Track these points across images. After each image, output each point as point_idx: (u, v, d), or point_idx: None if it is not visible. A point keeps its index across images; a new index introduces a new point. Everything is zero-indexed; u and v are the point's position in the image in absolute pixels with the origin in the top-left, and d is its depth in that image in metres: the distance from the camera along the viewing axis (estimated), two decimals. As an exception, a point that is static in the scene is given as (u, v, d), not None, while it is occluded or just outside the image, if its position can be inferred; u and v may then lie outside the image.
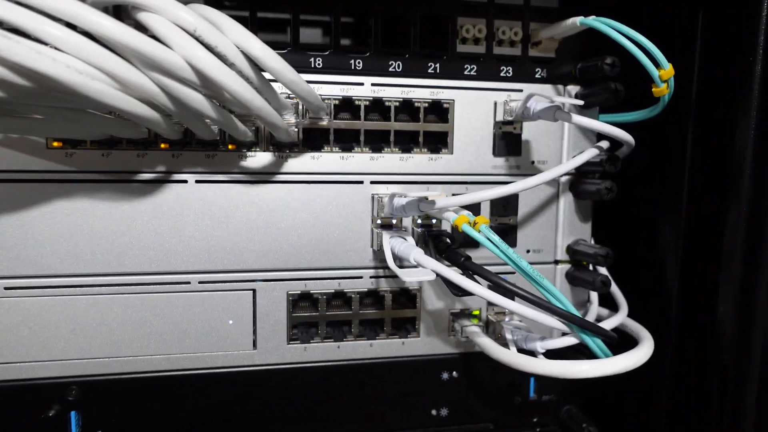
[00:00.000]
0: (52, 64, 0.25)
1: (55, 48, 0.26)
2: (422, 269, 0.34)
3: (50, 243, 0.35)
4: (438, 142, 0.40)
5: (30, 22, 0.25)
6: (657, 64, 0.34)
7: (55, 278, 0.36)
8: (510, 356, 0.36)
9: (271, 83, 0.32)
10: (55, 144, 0.35)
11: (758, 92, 0.35)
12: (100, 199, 0.36)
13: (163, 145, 0.36)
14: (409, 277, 0.33)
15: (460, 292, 0.34)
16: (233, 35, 0.29)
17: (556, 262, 0.43)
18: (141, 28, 0.28)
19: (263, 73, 0.31)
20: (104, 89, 0.27)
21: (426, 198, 0.34)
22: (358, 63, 0.38)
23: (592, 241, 0.43)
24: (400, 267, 0.34)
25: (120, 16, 0.29)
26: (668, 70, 0.34)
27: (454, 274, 0.33)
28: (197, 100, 0.30)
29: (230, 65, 0.29)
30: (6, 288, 0.35)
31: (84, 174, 0.35)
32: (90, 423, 0.38)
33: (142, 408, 0.38)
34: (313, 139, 0.38)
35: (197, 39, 0.28)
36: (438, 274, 0.33)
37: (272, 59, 0.30)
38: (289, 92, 0.32)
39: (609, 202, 0.40)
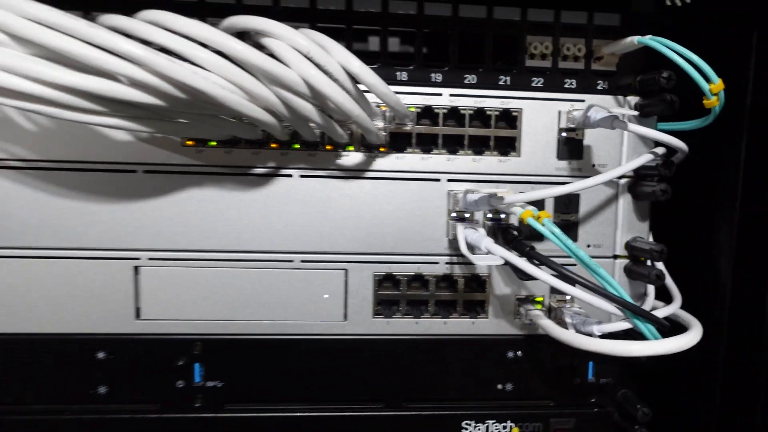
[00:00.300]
0: (203, 81, 0.32)
1: (202, 67, 0.33)
2: (492, 255, 0.39)
3: (183, 224, 0.44)
4: (507, 146, 0.45)
5: (184, 47, 0.33)
6: (708, 79, 0.38)
7: (186, 252, 0.44)
8: (568, 335, 0.41)
9: (365, 94, 0.38)
10: (188, 143, 0.43)
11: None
12: (223, 189, 0.44)
13: (273, 145, 0.43)
14: (481, 262, 0.39)
15: (524, 276, 0.39)
16: (337, 55, 0.36)
17: (615, 257, 0.47)
18: (259, 47, 0.35)
19: (359, 86, 0.37)
20: (239, 100, 0.34)
21: (495, 194, 0.40)
22: (438, 76, 0.44)
23: (650, 239, 0.47)
24: (473, 254, 0.40)
25: (243, 38, 0.36)
26: (718, 84, 0.38)
27: (520, 261, 0.38)
28: (307, 108, 0.37)
29: (335, 80, 0.35)
30: (149, 258, 0.44)
31: (210, 168, 0.43)
32: (209, 373, 0.45)
33: (250, 364, 0.45)
34: (397, 142, 0.44)
35: (309, 59, 0.35)
36: (506, 260, 0.39)
37: (368, 75, 0.36)
38: (380, 102, 0.39)
39: (666, 203, 0.44)
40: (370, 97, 0.39)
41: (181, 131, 0.38)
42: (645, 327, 0.39)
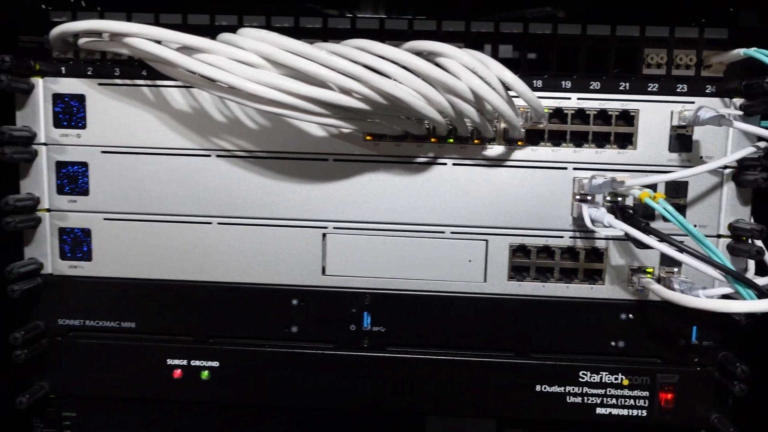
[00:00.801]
0: (401, 90, 0.44)
1: (397, 80, 0.45)
2: (613, 228, 0.49)
3: (361, 201, 0.56)
4: (625, 141, 0.54)
5: (389, 67, 0.44)
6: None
7: (362, 223, 0.56)
8: (677, 296, 0.49)
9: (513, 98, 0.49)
10: (368, 137, 0.55)
11: None
12: (393, 174, 0.55)
13: (433, 140, 0.55)
14: (605, 232, 0.49)
15: (642, 245, 0.48)
16: (495, 69, 0.46)
17: (719, 236, 0.55)
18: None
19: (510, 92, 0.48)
20: (422, 104, 0.46)
21: (616, 179, 0.49)
22: (567, 83, 0.54)
23: (752, 221, 0.55)
24: (596, 227, 0.50)
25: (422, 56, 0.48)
26: (813, 88, 0.45)
27: (637, 232, 0.48)
28: (470, 110, 0.48)
29: (493, 89, 0.46)
30: (334, 227, 0.56)
31: (384, 157, 0.55)
32: (375, 320, 0.57)
33: (407, 314, 0.57)
34: (532, 137, 0.54)
35: (474, 73, 0.46)
36: (626, 232, 0.48)
37: (518, 84, 0.47)
38: (524, 104, 0.49)
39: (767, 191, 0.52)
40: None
41: (374, 128, 0.50)
42: (745, 291, 0.47)
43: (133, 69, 0.55)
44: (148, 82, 0.55)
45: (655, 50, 0.53)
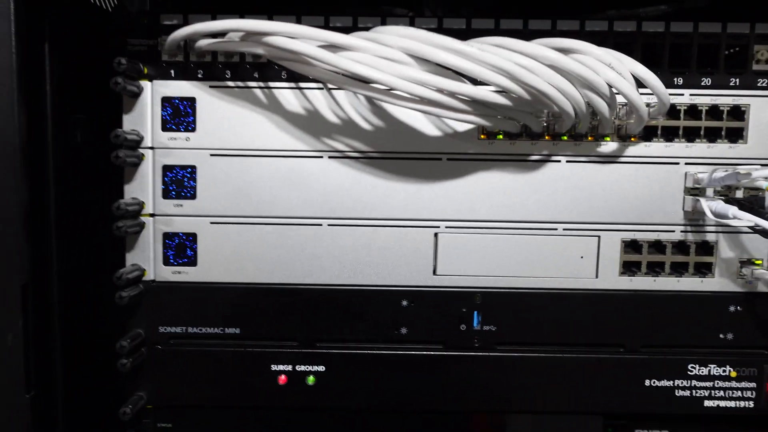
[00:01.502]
0: (545, 85, 0.45)
1: (540, 76, 0.45)
2: (739, 220, 0.50)
3: (475, 199, 0.56)
4: (736, 135, 0.55)
5: (531, 63, 0.45)
6: None
7: (475, 222, 0.56)
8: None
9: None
10: (482, 136, 0.55)
11: None
12: (507, 172, 0.56)
13: (547, 137, 0.55)
14: (733, 223, 0.49)
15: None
16: (627, 64, 0.47)
17: (827, 226, 0.56)
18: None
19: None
20: (562, 99, 0.46)
21: (740, 171, 0.50)
22: (680, 80, 0.55)
23: None
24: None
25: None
26: None
27: (766, 222, 0.49)
28: (603, 105, 0.48)
29: (628, 83, 0.47)
30: (446, 227, 0.56)
31: (498, 155, 0.55)
32: (486, 319, 0.57)
33: (517, 312, 0.57)
34: (646, 133, 0.55)
35: (610, 67, 0.47)
36: (755, 223, 0.49)
37: (651, 78, 0.47)
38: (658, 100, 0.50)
39: None
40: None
41: (501, 125, 0.51)
42: None
43: (245, 71, 0.54)
44: (261, 84, 0.54)
45: (765, 46, 0.54)
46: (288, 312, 0.57)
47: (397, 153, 0.55)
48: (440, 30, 0.54)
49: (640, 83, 0.48)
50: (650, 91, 0.49)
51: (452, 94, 0.44)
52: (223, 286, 0.57)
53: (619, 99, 0.50)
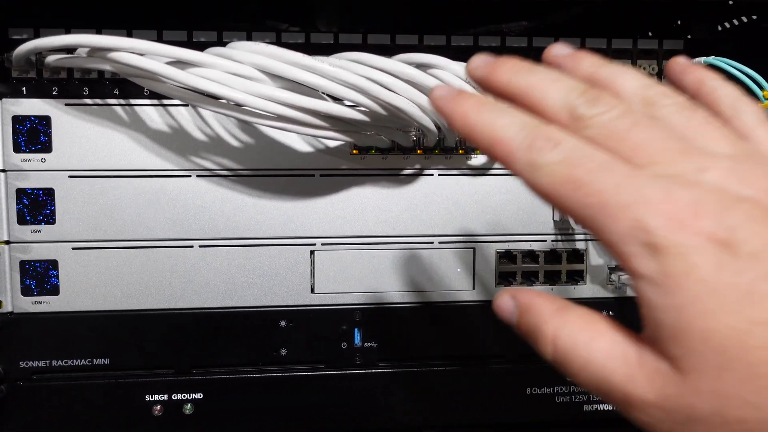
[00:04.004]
0: (401, 100, 0.45)
1: (395, 91, 0.45)
2: (599, 227, 0.51)
3: (349, 215, 0.55)
4: (599, 146, 0.57)
5: (387, 78, 0.45)
6: (761, 87, 0.50)
7: (351, 238, 0.55)
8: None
9: (502, 108, 0.50)
10: (355, 151, 0.55)
11: (836, 103, 0.50)
12: (380, 187, 0.55)
13: (419, 151, 0.55)
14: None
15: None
16: (485, 79, 0.48)
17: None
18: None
19: (499, 102, 0.49)
20: (420, 113, 0.46)
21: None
22: (544, 93, 0.56)
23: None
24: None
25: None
26: (768, 90, 0.50)
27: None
28: (463, 119, 0.49)
29: (486, 98, 0.48)
30: (323, 244, 0.55)
31: (371, 170, 0.55)
32: (367, 336, 0.57)
33: (399, 327, 0.57)
34: (514, 145, 0.56)
35: (468, 83, 0.47)
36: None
37: (508, 93, 0.48)
38: (511, 113, 0.51)
39: None
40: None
41: (366, 141, 0.50)
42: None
43: (104, 87, 0.52)
44: (121, 101, 0.52)
45: (621, 61, 0.56)
46: (160, 338, 0.55)
47: (268, 170, 0.54)
48: (307, 45, 0.54)
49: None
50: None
51: (308, 111, 0.44)
52: (89, 314, 0.54)
53: (482, 113, 0.51)
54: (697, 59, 0.54)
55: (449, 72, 0.47)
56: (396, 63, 0.45)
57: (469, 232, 0.57)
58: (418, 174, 0.56)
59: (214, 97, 0.44)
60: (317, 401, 0.56)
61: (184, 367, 0.55)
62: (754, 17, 0.57)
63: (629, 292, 0.58)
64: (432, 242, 0.56)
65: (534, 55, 0.55)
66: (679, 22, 0.60)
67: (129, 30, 0.52)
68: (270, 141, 0.54)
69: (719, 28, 0.59)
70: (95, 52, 0.44)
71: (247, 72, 0.43)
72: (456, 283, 0.57)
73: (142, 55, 0.43)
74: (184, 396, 0.55)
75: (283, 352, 0.56)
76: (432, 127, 0.48)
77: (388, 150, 0.55)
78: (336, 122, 0.46)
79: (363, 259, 0.56)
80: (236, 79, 0.43)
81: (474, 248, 0.57)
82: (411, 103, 0.46)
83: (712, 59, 0.52)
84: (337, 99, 0.46)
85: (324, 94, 0.46)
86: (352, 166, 0.55)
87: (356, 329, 0.56)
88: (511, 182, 0.56)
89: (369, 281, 0.56)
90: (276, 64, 0.42)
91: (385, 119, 0.47)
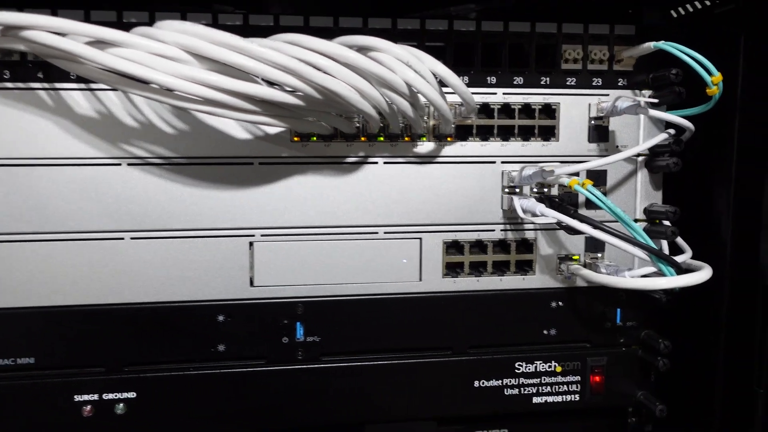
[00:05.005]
0: (337, 84, 0.42)
1: (332, 74, 0.43)
2: (545, 217, 0.50)
3: (290, 205, 0.53)
4: (548, 133, 0.55)
5: (322, 61, 0.42)
6: (710, 72, 0.49)
7: (292, 228, 0.53)
8: (606, 278, 0.51)
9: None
10: (296, 138, 0.52)
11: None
12: (322, 176, 0.53)
13: (363, 138, 0.53)
14: (539, 221, 0.49)
15: (573, 231, 0.49)
16: (428, 63, 0.46)
17: (636, 220, 0.58)
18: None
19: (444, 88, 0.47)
20: (358, 98, 0.44)
21: (545, 168, 0.50)
22: (493, 79, 0.55)
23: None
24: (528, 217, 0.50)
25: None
26: (718, 76, 0.49)
27: (569, 219, 0.49)
28: (405, 104, 0.47)
29: (427, 82, 0.46)
30: (262, 235, 0.53)
31: (313, 158, 0.53)
32: (309, 330, 0.55)
33: (342, 320, 0.55)
34: (461, 133, 0.54)
35: (408, 66, 0.45)
36: (558, 220, 0.49)
37: (451, 77, 0.46)
38: (455, 100, 0.49)
39: (676, 176, 0.55)
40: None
41: (304, 127, 0.48)
42: (666, 269, 0.49)
43: (27, 70, 0.49)
44: (45, 85, 0.49)
45: (572, 46, 0.55)
46: (90, 335, 0.52)
47: (204, 158, 0.52)
48: (246, 27, 0.51)
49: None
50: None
51: (238, 95, 0.41)
52: (13, 311, 0.51)
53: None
54: (647, 44, 0.53)
55: (390, 55, 0.45)
56: (332, 45, 0.43)
57: (415, 221, 0.55)
58: (362, 162, 0.54)
59: (139, 81, 0.41)
60: (258, 398, 0.54)
61: (116, 366, 0.53)
62: (708, 3, 0.56)
63: (579, 282, 0.57)
64: (377, 232, 0.55)
65: (483, 39, 0.54)
66: (631, 8, 0.58)
67: (54, 9, 0.48)
68: (206, 127, 0.51)
69: (673, 14, 0.58)
70: (9, 30, 0.40)
71: (172, 53, 0.41)
72: (402, 275, 0.55)
73: (62, 35, 0.40)
74: (116, 396, 0.52)
75: (222, 347, 0.54)
76: (372, 112, 0.46)
77: (331, 137, 0.53)
78: (270, 107, 0.44)
79: (305, 250, 0.54)
80: (160, 60, 0.40)
81: (420, 238, 0.55)
82: (348, 87, 0.43)
83: (662, 44, 0.51)
84: (274, 84, 0.43)
85: (260, 78, 0.43)
86: (293, 154, 0.53)
87: (298, 323, 0.54)
88: (459, 170, 0.55)
89: (311, 273, 0.54)
90: (201, 44, 0.39)
91: (323, 104, 0.45)
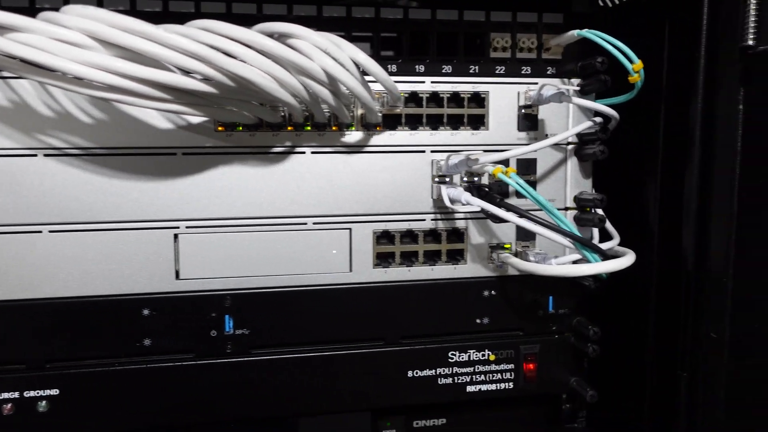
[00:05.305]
0: (249, 70, 0.41)
1: (246, 61, 0.42)
2: (470, 205, 0.50)
3: (215, 196, 0.52)
4: (478, 122, 0.55)
5: (236, 48, 0.42)
6: (631, 60, 0.49)
7: (218, 220, 0.52)
8: (532, 266, 0.52)
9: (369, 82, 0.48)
10: (220, 128, 0.51)
11: (702, 79, 0.50)
12: (248, 166, 0.52)
13: (289, 128, 0.52)
14: (462, 209, 0.49)
15: (497, 219, 0.49)
16: (347, 50, 0.45)
17: (566, 208, 0.58)
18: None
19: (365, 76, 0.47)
20: (274, 86, 0.43)
21: (470, 156, 0.50)
22: (421, 67, 0.54)
23: (594, 192, 0.58)
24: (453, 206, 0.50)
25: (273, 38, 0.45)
26: (638, 63, 0.49)
27: (493, 207, 0.49)
28: (324, 92, 0.46)
29: (347, 70, 0.45)
30: (187, 227, 0.52)
31: (238, 148, 0.52)
32: (238, 323, 0.54)
33: (272, 313, 0.54)
34: (390, 122, 0.54)
35: (327, 53, 0.44)
36: (482, 208, 0.49)
37: (372, 65, 0.46)
38: (380, 89, 0.49)
39: (611, 165, 0.55)
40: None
41: (225, 116, 0.47)
42: (591, 256, 0.50)
43: (-72, 56, 0.47)
44: (-51, 72, 0.47)
45: (500, 34, 0.55)
46: (9, 332, 0.50)
47: (125, 148, 0.50)
48: (166, 14, 0.50)
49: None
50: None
51: (147, 82, 0.40)
52: (-75, 308, 0.49)
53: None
54: (571, 32, 0.53)
55: (308, 42, 0.44)
56: (246, 31, 0.42)
57: (344, 212, 0.54)
58: (289, 152, 0.53)
59: (45, 68, 0.40)
60: (187, 393, 0.53)
61: (37, 362, 0.51)
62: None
63: (511, 271, 0.57)
64: (306, 223, 0.54)
65: (411, 26, 0.54)
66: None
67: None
68: (126, 117, 0.50)
69: (600, 3, 0.58)
70: None
71: (77, 39, 0.39)
72: (332, 266, 0.55)
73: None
74: (38, 393, 0.51)
75: (147, 342, 0.52)
76: (292, 101, 0.46)
77: (256, 127, 0.52)
78: (184, 96, 0.43)
79: (232, 242, 0.53)
80: (64, 46, 0.39)
81: (350, 229, 0.55)
82: (263, 74, 0.43)
83: (585, 32, 0.51)
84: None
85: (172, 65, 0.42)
86: (217, 144, 0.52)
87: (227, 316, 0.54)
88: (388, 160, 0.54)
89: (239, 265, 0.53)
90: (106, 30, 0.38)
91: (239, 92, 0.44)
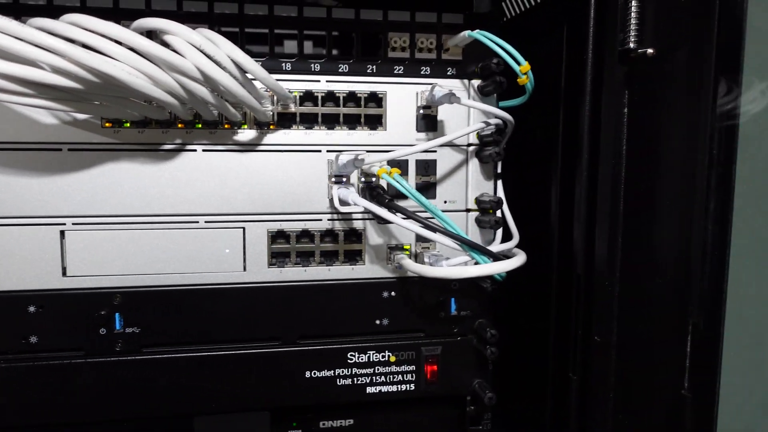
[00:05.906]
0: (112, 67, 0.41)
1: (114, 58, 0.42)
2: (356, 206, 0.50)
3: (103, 193, 0.51)
4: (375, 122, 0.55)
5: (101, 42, 0.41)
6: (518, 62, 0.49)
7: (106, 217, 0.52)
8: (421, 267, 0.51)
9: (253, 81, 0.47)
10: (107, 124, 0.51)
11: (590, 81, 0.50)
12: (137, 163, 0.52)
13: (180, 125, 0.52)
14: (345, 209, 0.49)
15: (382, 220, 0.49)
16: (225, 48, 0.45)
17: (468, 210, 0.58)
18: (164, 43, 0.44)
19: (247, 74, 0.46)
20: (144, 84, 0.43)
21: (357, 156, 0.50)
22: (317, 66, 0.54)
23: (497, 194, 0.58)
24: (342, 206, 0.50)
25: (152, 36, 0.45)
26: (525, 65, 0.49)
27: (377, 208, 0.49)
28: (202, 91, 0.45)
29: (223, 68, 0.45)
30: (74, 224, 0.51)
31: (126, 145, 0.51)
32: (128, 321, 0.53)
33: (163, 311, 0.53)
34: (285, 121, 0.53)
35: (202, 51, 0.44)
36: (366, 208, 0.49)
37: (249, 63, 0.45)
38: (265, 87, 0.48)
39: (517, 165, 0.55)
40: (259, 84, 0.49)
41: (98, 112, 0.46)
42: (480, 257, 0.50)
43: None
44: None
45: (398, 34, 0.55)
46: None
47: (7, 144, 0.50)
48: (51, 7, 0.49)
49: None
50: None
51: (3, 75, 0.39)
52: None
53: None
54: (463, 33, 0.53)
55: (181, 38, 0.43)
56: (113, 26, 0.41)
57: (237, 210, 0.54)
58: (180, 149, 0.52)
59: None
60: (77, 390, 0.53)
61: None
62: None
63: (409, 273, 0.57)
64: (197, 221, 0.53)
65: (307, 25, 0.53)
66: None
67: None
68: (8, 111, 0.49)
69: (504, 5, 0.58)
70: None
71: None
72: (225, 265, 0.54)
73: None
74: None
75: (34, 339, 0.52)
76: (168, 99, 0.45)
77: (145, 124, 0.51)
78: (49, 90, 0.42)
79: (121, 239, 0.52)
80: None
81: (244, 228, 0.54)
82: (131, 71, 0.42)
83: (475, 33, 0.51)
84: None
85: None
86: (104, 141, 0.51)
87: (117, 314, 0.53)
88: (283, 158, 0.54)
89: (129, 263, 0.53)
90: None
91: (112, 90, 0.43)
